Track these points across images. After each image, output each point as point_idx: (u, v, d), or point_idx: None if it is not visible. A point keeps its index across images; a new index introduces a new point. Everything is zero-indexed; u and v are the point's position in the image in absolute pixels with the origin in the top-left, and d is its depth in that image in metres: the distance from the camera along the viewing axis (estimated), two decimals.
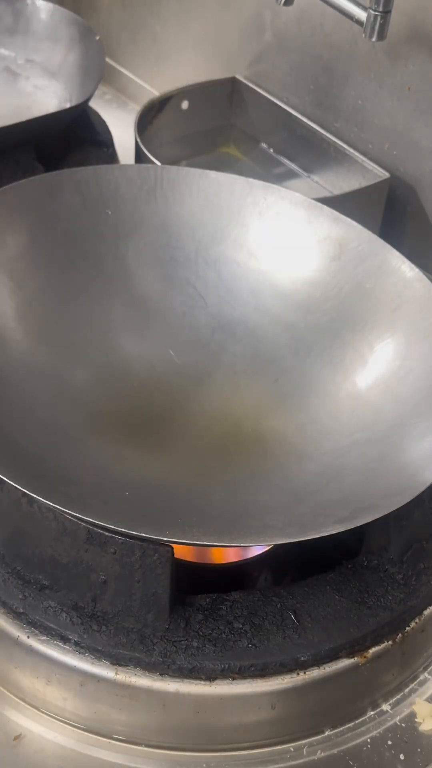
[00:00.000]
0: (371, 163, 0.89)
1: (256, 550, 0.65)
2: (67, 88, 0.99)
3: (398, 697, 0.62)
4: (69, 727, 0.59)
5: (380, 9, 0.77)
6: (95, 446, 0.66)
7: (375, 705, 0.61)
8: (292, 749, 0.59)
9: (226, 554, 0.66)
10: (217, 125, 1.01)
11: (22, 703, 0.60)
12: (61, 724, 0.59)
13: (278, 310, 0.75)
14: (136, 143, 0.88)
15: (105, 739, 0.59)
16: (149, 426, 0.69)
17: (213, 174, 0.78)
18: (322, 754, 0.59)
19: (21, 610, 0.59)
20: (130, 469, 0.65)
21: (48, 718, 0.59)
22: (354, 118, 0.91)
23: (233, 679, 0.57)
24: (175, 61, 1.08)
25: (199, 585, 0.61)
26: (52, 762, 0.58)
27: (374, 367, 0.70)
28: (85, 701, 0.58)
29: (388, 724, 0.61)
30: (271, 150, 0.99)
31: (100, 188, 0.76)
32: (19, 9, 1.02)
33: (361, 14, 0.78)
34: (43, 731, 0.59)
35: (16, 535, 0.60)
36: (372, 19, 0.77)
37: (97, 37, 0.98)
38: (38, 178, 0.76)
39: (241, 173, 0.79)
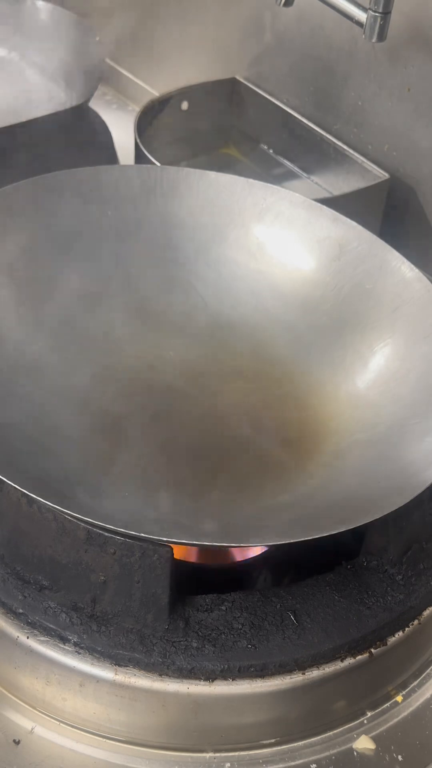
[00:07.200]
0: (371, 164, 0.89)
1: (256, 550, 0.65)
2: (67, 88, 0.99)
3: (400, 696, 0.62)
4: (68, 727, 0.59)
5: (380, 10, 0.77)
6: (95, 446, 0.66)
7: (375, 705, 0.61)
8: (291, 749, 0.59)
9: (226, 554, 0.66)
10: (216, 126, 1.01)
11: (22, 704, 0.60)
12: (61, 724, 0.59)
13: (278, 310, 0.75)
14: (136, 144, 0.88)
15: (105, 740, 0.59)
16: (149, 426, 0.69)
17: (213, 175, 0.78)
18: (322, 755, 0.59)
19: (21, 611, 0.59)
20: (130, 469, 0.65)
21: (47, 718, 0.59)
22: (354, 119, 0.91)
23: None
24: (175, 62, 1.08)
25: (199, 585, 0.61)
26: (52, 762, 0.58)
27: (374, 368, 0.70)
28: (84, 701, 0.58)
29: (389, 724, 0.61)
30: (271, 151, 0.99)
31: (100, 188, 0.76)
32: (19, 9, 1.03)
33: (361, 15, 0.78)
34: (42, 732, 0.59)
35: (16, 535, 0.60)
36: (372, 20, 0.77)
37: (97, 38, 0.98)
38: (38, 178, 0.76)
39: (240, 174, 0.79)
